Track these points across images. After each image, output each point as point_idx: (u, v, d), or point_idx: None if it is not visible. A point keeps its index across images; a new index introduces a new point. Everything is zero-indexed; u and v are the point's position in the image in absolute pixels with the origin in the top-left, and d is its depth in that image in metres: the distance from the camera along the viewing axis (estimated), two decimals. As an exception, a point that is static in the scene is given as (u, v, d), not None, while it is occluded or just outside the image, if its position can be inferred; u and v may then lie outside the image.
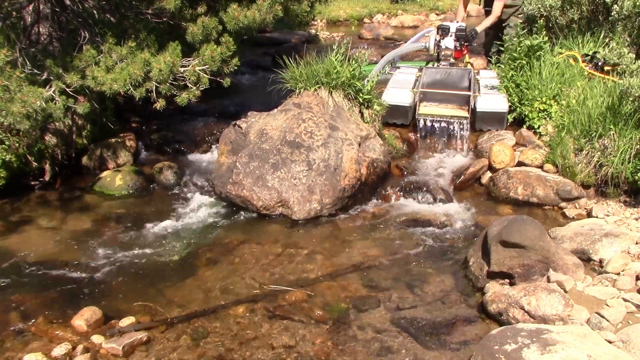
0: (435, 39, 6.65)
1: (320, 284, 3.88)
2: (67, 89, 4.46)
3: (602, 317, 3.14)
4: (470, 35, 6.59)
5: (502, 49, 6.20)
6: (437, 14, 13.56)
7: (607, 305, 3.27)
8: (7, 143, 4.87)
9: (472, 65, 6.74)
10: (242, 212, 4.84)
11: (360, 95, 5.46)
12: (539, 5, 6.56)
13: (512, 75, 5.72)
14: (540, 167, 5.06)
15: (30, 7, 4.87)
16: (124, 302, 3.72)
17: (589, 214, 4.55)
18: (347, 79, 5.36)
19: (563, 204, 4.74)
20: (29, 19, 4.91)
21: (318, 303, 3.67)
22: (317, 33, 11.70)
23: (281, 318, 3.53)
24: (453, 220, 4.69)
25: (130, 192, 5.32)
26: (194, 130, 6.24)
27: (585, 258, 3.85)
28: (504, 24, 6.93)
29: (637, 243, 3.89)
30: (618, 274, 3.59)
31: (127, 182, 5.35)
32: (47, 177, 5.29)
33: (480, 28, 6.85)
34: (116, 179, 5.36)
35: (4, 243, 4.46)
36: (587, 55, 5.86)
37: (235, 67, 4.94)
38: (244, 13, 4.66)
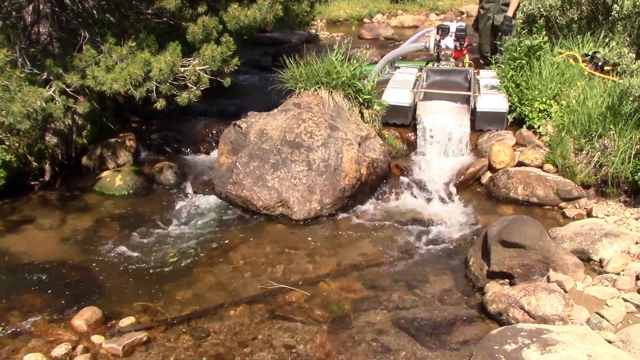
0: (435, 39, 6.65)
1: (320, 284, 3.88)
2: (67, 89, 4.46)
3: (602, 317, 3.14)
4: (506, 26, 6.52)
5: (501, 49, 6.20)
6: (437, 14, 13.55)
7: (607, 305, 3.27)
8: (7, 143, 4.87)
9: (472, 65, 6.75)
10: (242, 212, 4.84)
11: (361, 95, 5.46)
12: (539, 5, 6.56)
13: (512, 75, 5.72)
14: (540, 167, 5.06)
15: (30, 7, 4.87)
16: (124, 302, 3.72)
17: (589, 214, 4.55)
18: (347, 79, 5.36)
19: (563, 204, 4.74)
20: (29, 19, 4.91)
21: (318, 303, 3.67)
22: (317, 33, 11.70)
23: (281, 318, 3.53)
24: (453, 220, 4.69)
25: (130, 192, 5.32)
26: (194, 130, 6.23)
27: (585, 258, 3.86)
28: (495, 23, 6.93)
29: (637, 243, 3.89)
30: (618, 274, 3.59)
31: (127, 182, 5.35)
32: (47, 177, 5.28)
33: (510, 12, 6.67)
34: (116, 179, 5.35)
35: (4, 243, 4.46)
36: (587, 55, 5.86)
37: (236, 67, 4.95)
38: (244, 13, 4.66)
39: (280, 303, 3.68)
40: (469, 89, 5.91)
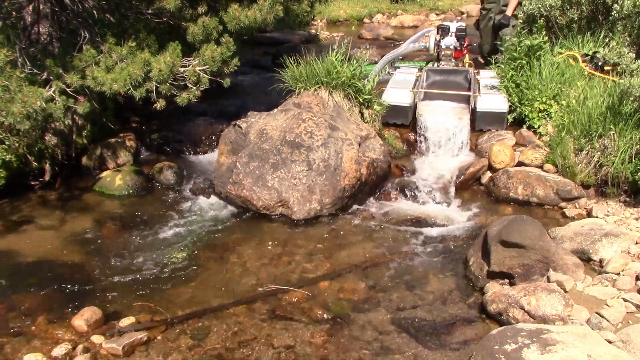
0: (435, 39, 6.65)
1: (320, 284, 3.88)
2: (67, 89, 4.46)
3: (602, 317, 3.14)
4: (500, 22, 6.75)
5: (501, 49, 6.20)
6: (437, 14, 13.56)
7: (607, 305, 3.27)
8: (7, 143, 4.87)
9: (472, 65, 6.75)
10: (242, 212, 4.84)
11: (361, 95, 5.46)
12: (539, 5, 6.56)
13: (512, 75, 5.72)
14: (540, 167, 5.06)
15: (30, 7, 4.87)
16: (124, 302, 3.72)
17: (589, 214, 4.55)
18: (347, 79, 5.36)
19: (563, 204, 4.74)
20: (29, 19, 4.91)
21: (318, 303, 3.67)
22: (317, 33, 11.70)
23: (281, 318, 3.54)
24: (453, 220, 4.69)
25: (130, 192, 5.32)
26: (194, 130, 6.23)
27: (585, 258, 3.86)
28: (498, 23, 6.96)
29: (637, 243, 3.89)
30: (618, 274, 3.59)
31: (127, 182, 5.35)
32: (47, 177, 5.28)
33: (509, 12, 6.88)
34: (116, 179, 5.35)
35: (4, 243, 4.46)
36: (587, 55, 5.86)
37: (236, 67, 4.94)
38: (244, 13, 4.66)
39: (280, 303, 3.68)
40: (469, 89, 5.91)
